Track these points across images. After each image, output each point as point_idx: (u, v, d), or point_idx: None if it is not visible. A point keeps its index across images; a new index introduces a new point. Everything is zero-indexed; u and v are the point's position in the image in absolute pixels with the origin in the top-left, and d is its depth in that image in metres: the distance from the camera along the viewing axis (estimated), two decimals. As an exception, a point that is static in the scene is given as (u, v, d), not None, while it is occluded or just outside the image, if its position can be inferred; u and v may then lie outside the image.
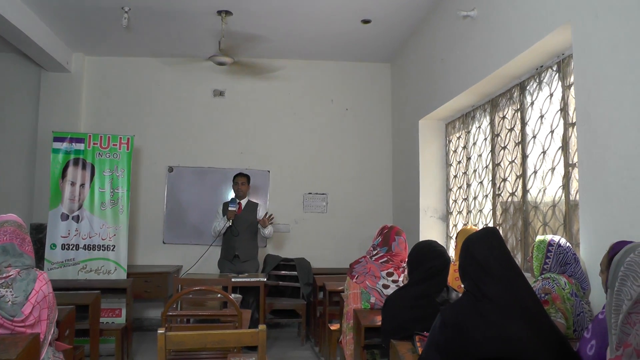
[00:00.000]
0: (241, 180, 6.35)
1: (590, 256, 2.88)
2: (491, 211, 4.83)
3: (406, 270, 3.45)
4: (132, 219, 6.65)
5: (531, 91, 4.14)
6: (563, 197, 3.59)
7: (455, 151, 5.82)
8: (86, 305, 4.30)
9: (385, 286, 3.58)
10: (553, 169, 3.74)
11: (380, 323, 3.10)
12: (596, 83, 2.87)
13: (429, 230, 5.96)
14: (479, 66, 4.45)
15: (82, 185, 6.19)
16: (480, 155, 5.13)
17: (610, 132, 2.74)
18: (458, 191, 5.71)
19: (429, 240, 3.27)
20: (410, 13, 5.75)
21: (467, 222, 5.38)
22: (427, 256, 3.05)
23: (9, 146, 6.98)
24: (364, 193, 7.42)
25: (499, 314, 1.97)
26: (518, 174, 4.31)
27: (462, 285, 2.21)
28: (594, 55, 2.90)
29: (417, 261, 3.09)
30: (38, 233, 6.38)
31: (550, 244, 2.95)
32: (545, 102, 3.89)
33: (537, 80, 4.03)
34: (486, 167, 4.97)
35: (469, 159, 5.41)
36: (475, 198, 5.25)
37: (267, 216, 6.16)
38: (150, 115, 7.23)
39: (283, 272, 6.65)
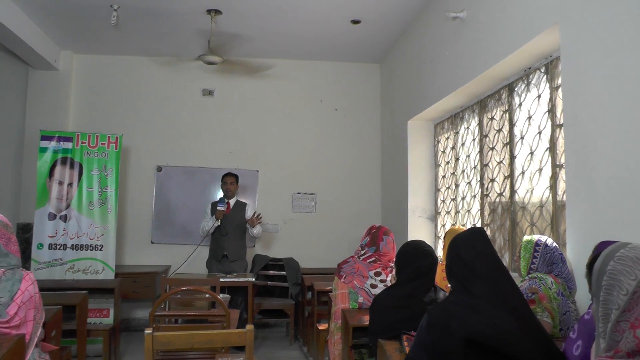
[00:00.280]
0: (230, 180, 6.33)
1: (576, 256, 2.90)
2: (479, 211, 4.85)
3: (394, 270, 3.45)
4: (120, 219, 6.62)
5: (519, 92, 4.16)
6: (550, 197, 3.61)
7: (443, 152, 5.84)
8: (73, 306, 4.27)
9: (373, 286, 3.58)
10: (541, 169, 3.76)
11: (368, 323, 3.11)
12: (583, 85, 2.89)
13: (418, 230, 5.97)
14: (467, 67, 4.47)
15: (70, 184, 6.15)
16: (468, 156, 5.15)
17: (597, 134, 2.76)
18: (446, 191, 5.73)
19: (416, 240, 3.29)
20: (399, 14, 5.76)
21: (455, 223, 5.40)
22: (415, 256, 3.07)
23: (-4, 144, 6.93)
24: (352, 193, 7.43)
25: (488, 307, 1.97)
26: (506, 174, 4.33)
27: (449, 285, 2.22)
28: (581, 57, 2.91)
29: (404, 261, 3.10)
30: (25, 233, 6.34)
31: (537, 244, 2.97)
32: (533, 104, 3.91)
33: (525, 82, 4.06)
34: (474, 167, 4.99)
35: (457, 159, 5.43)
36: (463, 198, 5.27)
37: (255, 216, 6.16)
38: (139, 114, 7.20)
39: (271, 272, 6.65)
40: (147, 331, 2.49)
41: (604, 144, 2.70)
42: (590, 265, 1.58)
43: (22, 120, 6.85)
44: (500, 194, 4.43)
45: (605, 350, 1.38)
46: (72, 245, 6.07)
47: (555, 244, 2.99)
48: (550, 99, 3.63)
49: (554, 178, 3.55)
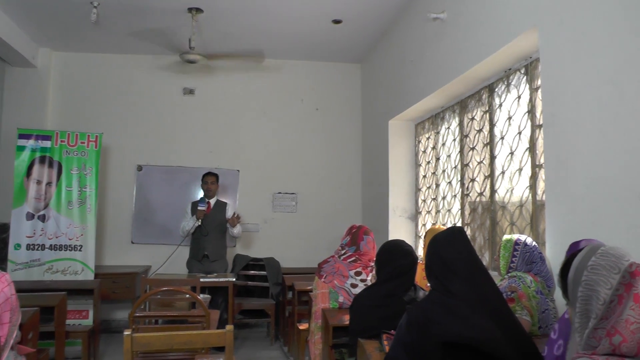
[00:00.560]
0: (210, 180, 6.30)
1: (555, 255, 2.93)
2: (459, 211, 4.88)
3: (374, 269, 3.46)
4: (100, 219, 6.55)
5: (499, 93, 4.20)
6: (530, 197, 3.65)
7: (424, 151, 5.87)
8: (52, 307, 4.22)
9: (354, 285, 3.59)
10: (520, 169, 3.80)
11: (348, 322, 3.11)
12: (562, 86, 2.92)
13: (398, 229, 6.00)
14: (448, 68, 4.50)
15: (49, 183, 6.06)
16: (449, 156, 5.18)
17: (575, 134, 2.79)
18: (427, 191, 5.75)
19: (396, 240, 3.30)
20: (380, 14, 5.77)
21: (436, 222, 5.43)
22: (395, 255, 3.07)
23: (-28, 143, 6.81)
24: (333, 193, 7.44)
25: (465, 310, 1.98)
26: (486, 174, 4.36)
27: (429, 284, 2.23)
28: (559, 59, 2.95)
29: (384, 260, 3.11)
30: (2, 233, 6.22)
31: (516, 243, 3.00)
32: (513, 104, 3.94)
33: (505, 83, 4.09)
34: (455, 167, 5.02)
35: (438, 159, 5.46)
36: (444, 198, 5.30)
37: (235, 216, 6.13)
38: (119, 113, 7.13)
39: (252, 272, 6.63)
40: (127, 332, 2.46)
41: (582, 144, 2.74)
42: (563, 271, 1.59)
43: (-1, 119, 6.75)
44: (481, 194, 4.46)
45: (583, 349, 1.40)
46: (51, 245, 5.98)
47: (534, 243, 3.02)
48: (530, 100, 3.67)
49: (534, 178, 3.59)
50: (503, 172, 4.07)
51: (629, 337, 1.31)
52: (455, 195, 5.03)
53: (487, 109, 4.38)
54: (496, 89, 4.24)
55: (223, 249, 6.36)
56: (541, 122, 3.32)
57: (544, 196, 3.26)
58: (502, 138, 4.09)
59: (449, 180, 5.17)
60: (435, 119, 5.55)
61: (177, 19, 5.86)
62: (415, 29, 5.28)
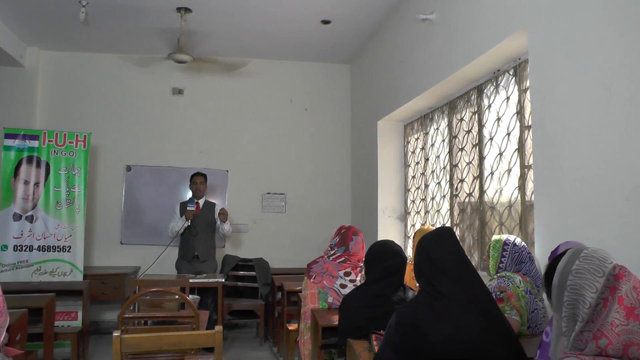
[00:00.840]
0: (199, 180, 6.29)
1: (544, 255, 2.94)
2: (449, 211, 4.90)
3: (363, 269, 3.47)
4: (88, 219, 6.51)
5: (488, 94, 4.21)
6: (519, 197, 3.67)
7: (413, 152, 5.89)
8: (40, 309, 4.19)
9: (343, 286, 3.59)
10: (509, 170, 3.82)
11: (337, 322, 3.11)
12: (551, 87, 2.94)
13: (387, 230, 6.01)
14: (437, 69, 4.51)
15: (37, 184, 6.01)
16: (438, 157, 5.20)
17: (563, 135, 2.81)
18: (416, 191, 5.77)
19: (385, 240, 3.31)
20: (370, 15, 5.78)
21: (425, 222, 5.45)
22: (384, 255, 3.08)
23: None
24: (322, 193, 7.44)
25: (453, 312, 1.99)
26: (475, 175, 4.38)
27: (418, 285, 2.24)
28: (548, 60, 2.97)
29: (373, 260, 3.11)
30: (-12, 234, 6.18)
31: (505, 243, 3.02)
32: (502, 105, 3.96)
33: (494, 84, 4.11)
34: (444, 168, 5.03)
35: (427, 159, 5.48)
36: (433, 198, 5.31)
37: (222, 212, 6.13)
38: (108, 112, 7.09)
39: (241, 272, 6.61)
40: (116, 333, 2.46)
41: (570, 145, 2.75)
42: (547, 277, 1.60)
43: (-15, 118, 6.67)
44: (470, 194, 4.48)
45: (570, 350, 1.41)
46: (39, 246, 5.94)
47: (523, 243, 3.04)
48: (519, 101, 3.69)
49: (523, 178, 3.61)
50: (492, 173, 4.09)
51: (615, 339, 1.33)
52: (444, 196, 5.05)
53: (476, 109, 4.40)
54: (485, 90, 4.26)
55: (213, 249, 6.35)
56: (530, 123, 3.34)
57: (532, 197, 3.27)
58: (491, 139, 4.11)
59: (438, 181, 5.19)
60: (424, 119, 5.57)
61: (166, 18, 5.84)
62: (405, 30, 5.29)
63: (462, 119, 4.69)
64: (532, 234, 3.37)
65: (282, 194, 7.41)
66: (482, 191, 4.24)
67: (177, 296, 4.01)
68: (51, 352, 4.37)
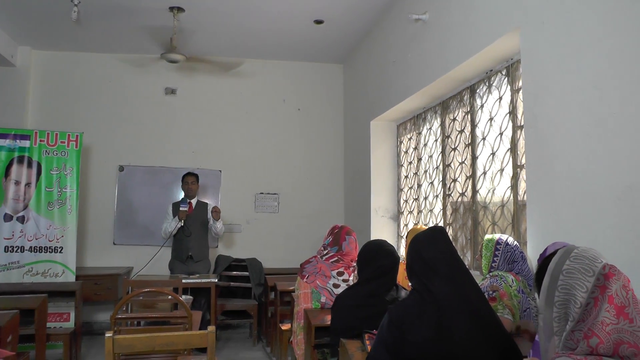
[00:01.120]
0: (191, 180, 6.28)
1: (537, 254, 2.95)
2: (441, 211, 4.91)
3: (356, 269, 3.47)
4: (81, 220, 6.48)
5: (481, 94, 4.22)
6: (511, 197, 3.68)
7: (406, 152, 5.89)
8: (32, 310, 4.17)
9: (336, 285, 3.59)
10: (502, 170, 3.83)
11: (330, 322, 3.11)
12: (543, 87, 2.95)
13: (380, 229, 6.02)
14: (430, 69, 4.52)
15: (28, 184, 5.97)
16: (431, 156, 5.21)
17: (556, 135, 2.82)
18: (409, 191, 5.78)
19: (378, 240, 3.31)
20: (362, 15, 5.79)
21: (418, 222, 5.45)
22: (377, 255, 3.08)
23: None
24: (315, 193, 7.44)
25: (441, 312, 2.00)
26: (468, 174, 4.39)
27: (410, 284, 2.24)
28: (541, 60, 2.98)
29: (366, 260, 3.12)
30: (-20, 234, 6.14)
31: (498, 242, 3.02)
32: (494, 105, 3.97)
33: (487, 84, 4.12)
34: (437, 167, 5.04)
35: (419, 159, 5.49)
36: (425, 198, 5.32)
37: (215, 210, 6.13)
38: (100, 112, 7.06)
39: (234, 272, 6.60)
40: (108, 334, 2.45)
41: (562, 145, 2.77)
42: (538, 277, 1.60)
43: (-24, 117, 6.63)
44: (462, 194, 4.49)
45: (561, 350, 1.41)
46: (30, 247, 5.90)
47: (516, 242, 3.05)
48: (511, 101, 3.70)
49: (515, 178, 3.62)
50: (484, 173, 4.10)
51: (605, 338, 1.34)
52: (437, 196, 5.05)
53: (468, 109, 4.41)
54: (478, 90, 4.27)
55: (206, 249, 6.35)
56: (522, 123, 3.35)
57: (525, 196, 3.29)
58: (484, 139, 4.12)
59: (430, 181, 5.20)
60: (417, 119, 5.58)
61: (158, 18, 5.82)
62: (397, 30, 5.30)
63: (454, 119, 4.70)
64: (525, 233, 3.38)
65: (275, 194, 7.41)
66: (474, 191, 4.26)
67: (170, 296, 4.00)
68: (43, 353, 4.35)
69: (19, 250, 5.85)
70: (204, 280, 5.73)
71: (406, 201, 5.86)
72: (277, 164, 7.42)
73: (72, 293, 5.28)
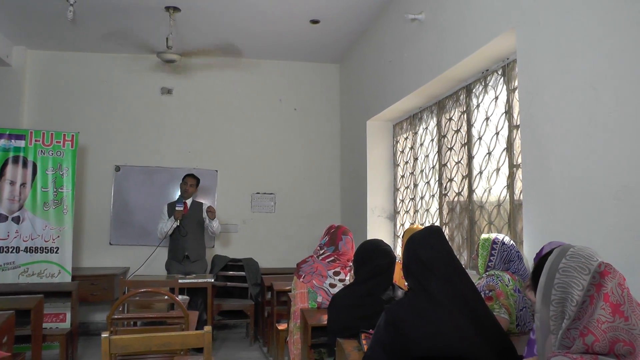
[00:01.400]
0: (190, 182, 6.28)
1: (533, 253, 2.96)
2: (438, 210, 4.91)
3: (352, 269, 3.47)
4: (77, 220, 6.45)
5: (477, 94, 4.23)
6: (507, 196, 3.68)
7: (402, 152, 5.90)
8: (28, 310, 4.16)
9: (332, 285, 3.59)
10: (498, 169, 3.83)
11: (326, 322, 3.11)
12: (539, 87, 2.96)
13: (377, 229, 6.02)
14: (426, 68, 4.52)
15: (23, 184, 5.95)
16: (427, 156, 5.21)
17: (552, 135, 2.83)
18: (405, 191, 5.78)
19: (374, 239, 3.31)
20: (359, 14, 5.79)
21: (414, 222, 5.46)
22: (373, 255, 3.09)
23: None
24: (312, 193, 7.44)
25: (438, 311, 2.00)
26: (464, 174, 4.39)
27: (407, 284, 2.24)
28: (537, 60, 2.98)
29: (362, 260, 3.12)
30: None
31: (494, 242, 3.03)
32: (490, 105, 3.98)
33: (483, 84, 4.12)
34: (433, 167, 5.05)
35: (416, 159, 5.49)
36: (422, 198, 5.32)
37: (210, 209, 6.13)
38: (96, 112, 7.05)
39: (231, 272, 6.60)
40: (104, 335, 2.44)
41: (558, 144, 2.77)
42: (535, 277, 1.61)
43: (-30, 117, 6.60)
44: (459, 194, 4.50)
45: (557, 349, 1.42)
46: (26, 247, 5.88)
47: (512, 242, 3.06)
48: (507, 101, 3.70)
49: (511, 178, 3.63)
50: (481, 172, 4.11)
51: (601, 336, 1.34)
52: (433, 195, 5.06)
53: (464, 109, 4.41)
54: (474, 90, 4.28)
55: (203, 249, 6.35)
56: (518, 123, 3.36)
57: (521, 196, 3.29)
58: (480, 138, 4.13)
59: (427, 180, 5.20)
60: (413, 119, 5.58)
61: (154, 17, 5.81)
62: (394, 30, 5.30)
63: (451, 119, 4.70)
64: (521, 232, 3.39)
65: (271, 193, 7.40)
66: (471, 190, 4.26)
67: (166, 297, 4.00)
68: (39, 354, 4.34)
69: (14, 250, 5.84)
70: (200, 281, 5.73)
71: (402, 201, 5.87)
72: (274, 164, 7.41)
73: (68, 293, 5.28)
